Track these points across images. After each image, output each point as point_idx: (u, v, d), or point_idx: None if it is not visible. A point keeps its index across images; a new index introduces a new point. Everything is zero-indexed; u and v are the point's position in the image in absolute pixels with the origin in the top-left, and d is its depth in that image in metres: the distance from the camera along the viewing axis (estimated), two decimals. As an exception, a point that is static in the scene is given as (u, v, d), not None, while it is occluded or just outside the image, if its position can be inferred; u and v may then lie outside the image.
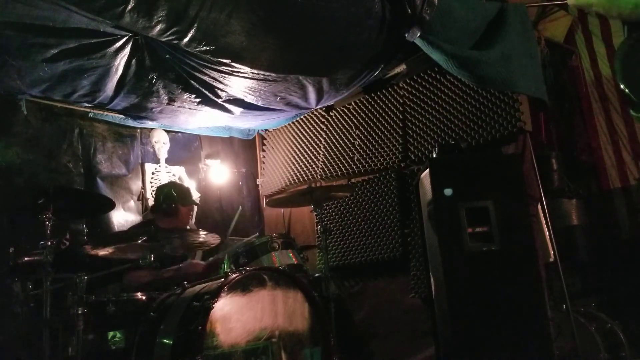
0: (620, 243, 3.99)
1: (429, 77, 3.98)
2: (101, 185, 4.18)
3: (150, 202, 4.32)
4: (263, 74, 3.41)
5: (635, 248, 3.84)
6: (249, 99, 3.85)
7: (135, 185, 4.43)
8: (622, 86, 3.08)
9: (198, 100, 3.82)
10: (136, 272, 3.25)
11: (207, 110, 4.02)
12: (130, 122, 4.24)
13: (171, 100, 3.81)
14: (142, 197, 4.41)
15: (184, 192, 3.81)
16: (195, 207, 4.48)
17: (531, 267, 2.72)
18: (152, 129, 4.53)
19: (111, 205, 3.23)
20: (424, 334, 3.57)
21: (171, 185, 3.96)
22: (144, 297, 2.93)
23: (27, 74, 3.20)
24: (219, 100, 3.83)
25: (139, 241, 2.93)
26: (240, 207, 4.36)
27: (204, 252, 3.84)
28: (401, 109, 4.14)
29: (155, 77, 3.47)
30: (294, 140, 4.99)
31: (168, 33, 2.74)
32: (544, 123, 3.96)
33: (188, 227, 3.91)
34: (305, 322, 2.88)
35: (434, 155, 3.06)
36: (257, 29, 2.88)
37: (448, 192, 2.77)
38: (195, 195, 4.65)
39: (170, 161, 4.63)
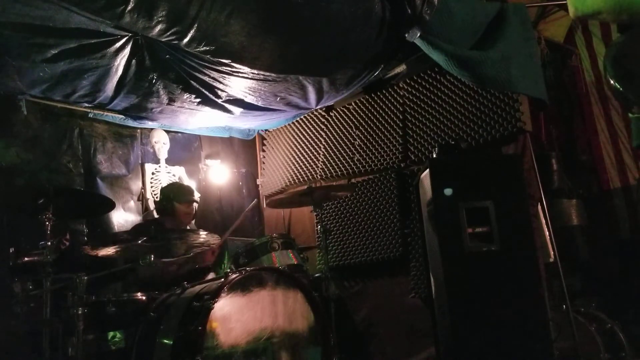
0: (620, 243, 3.99)
1: (429, 77, 3.98)
2: (101, 185, 4.19)
3: (150, 202, 4.35)
4: (263, 74, 3.41)
5: (635, 248, 3.84)
6: (249, 99, 3.85)
7: (135, 185, 4.43)
8: (615, 84, 3.04)
9: (198, 100, 3.82)
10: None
11: (207, 110, 4.02)
12: (130, 122, 4.24)
13: (171, 101, 3.81)
14: (142, 197, 4.41)
15: (180, 190, 3.86)
16: (196, 205, 4.49)
17: (531, 267, 2.72)
18: (152, 129, 4.53)
19: (111, 206, 3.24)
20: (424, 334, 3.56)
21: (171, 184, 4.08)
22: (144, 297, 2.94)
23: (27, 74, 3.20)
24: (219, 101, 3.83)
25: (139, 241, 2.93)
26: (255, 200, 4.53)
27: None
28: (401, 109, 4.14)
29: (155, 78, 3.47)
30: (294, 140, 4.99)
31: (168, 33, 2.74)
32: (544, 123, 3.96)
33: (188, 227, 3.91)
34: (305, 322, 2.88)
35: (434, 155, 3.06)
36: (257, 29, 2.88)
37: (448, 192, 2.77)
38: (196, 195, 4.65)
39: (170, 161, 4.63)
